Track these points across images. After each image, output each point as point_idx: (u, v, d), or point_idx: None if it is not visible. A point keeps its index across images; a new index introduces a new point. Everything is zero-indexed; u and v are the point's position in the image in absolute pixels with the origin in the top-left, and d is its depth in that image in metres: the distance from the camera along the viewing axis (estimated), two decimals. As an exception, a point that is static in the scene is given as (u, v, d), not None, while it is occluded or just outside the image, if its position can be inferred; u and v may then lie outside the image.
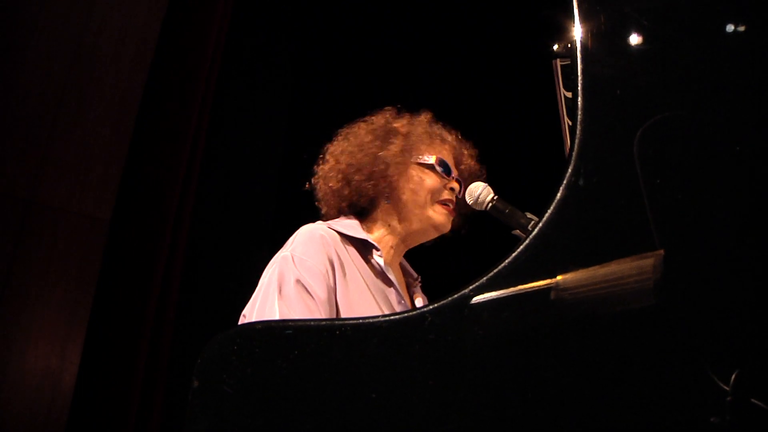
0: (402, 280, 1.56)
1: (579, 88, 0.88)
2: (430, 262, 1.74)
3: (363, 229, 1.51)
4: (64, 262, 2.70)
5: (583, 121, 0.87)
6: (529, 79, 2.29)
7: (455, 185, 1.55)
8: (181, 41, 3.19)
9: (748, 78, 0.88)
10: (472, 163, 1.64)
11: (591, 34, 0.91)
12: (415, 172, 1.53)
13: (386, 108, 1.64)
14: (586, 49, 0.90)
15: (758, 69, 0.88)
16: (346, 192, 1.52)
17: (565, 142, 1.33)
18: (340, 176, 1.52)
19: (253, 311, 1.31)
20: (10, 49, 2.70)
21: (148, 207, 2.94)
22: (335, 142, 1.60)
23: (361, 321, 0.90)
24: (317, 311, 1.27)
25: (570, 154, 0.86)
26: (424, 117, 1.63)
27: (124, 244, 2.86)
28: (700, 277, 0.82)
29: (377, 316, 0.89)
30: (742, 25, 0.90)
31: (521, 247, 0.85)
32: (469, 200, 1.48)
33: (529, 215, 1.36)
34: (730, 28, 0.90)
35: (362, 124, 1.59)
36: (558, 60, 1.34)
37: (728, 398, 0.75)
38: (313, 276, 1.31)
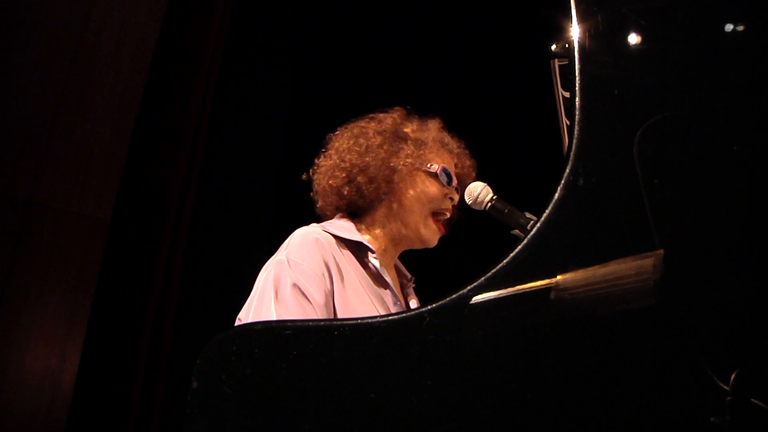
0: (396, 281, 1.56)
1: (577, 88, 0.88)
2: (428, 263, 1.74)
3: (357, 230, 1.50)
4: (64, 262, 2.70)
5: (581, 121, 0.87)
6: (528, 79, 2.30)
7: (455, 195, 1.55)
8: (181, 41, 3.19)
9: (747, 78, 0.88)
10: (473, 175, 1.63)
11: (589, 34, 0.91)
12: (419, 179, 1.51)
13: (396, 108, 1.62)
14: (584, 49, 0.90)
15: (757, 69, 0.88)
16: (346, 191, 1.50)
17: (563, 142, 1.33)
18: (342, 174, 1.50)
19: (249, 315, 1.30)
20: (10, 49, 2.70)
21: (148, 207, 2.94)
22: (341, 138, 1.57)
23: (359, 321, 0.90)
24: (314, 315, 1.26)
25: (568, 154, 0.86)
26: (434, 123, 1.61)
27: (124, 244, 2.86)
28: (699, 277, 0.82)
29: (376, 317, 0.89)
30: (740, 25, 0.90)
31: (519, 247, 0.85)
32: (468, 200, 1.48)
33: (528, 215, 1.36)
34: (728, 27, 0.90)
35: (372, 124, 1.56)
36: (556, 60, 1.33)
37: (728, 398, 0.75)
38: (310, 280, 1.30)
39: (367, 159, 1.49)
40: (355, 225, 1.52)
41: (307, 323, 0.95)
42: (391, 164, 1.49)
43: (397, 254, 1.59)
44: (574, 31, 0.90)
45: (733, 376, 0.75)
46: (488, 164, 1.67)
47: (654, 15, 0.91)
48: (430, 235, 1.52)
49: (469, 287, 0.86)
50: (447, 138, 1.61)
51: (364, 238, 1.49)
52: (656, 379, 0.79)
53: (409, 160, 1.50)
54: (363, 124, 1.57)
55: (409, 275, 1.64)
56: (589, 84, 0.88)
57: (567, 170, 0.86)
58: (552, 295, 0.83)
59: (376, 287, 1.45)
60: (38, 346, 2.58)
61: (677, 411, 0.78)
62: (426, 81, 3.58)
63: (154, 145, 3.02)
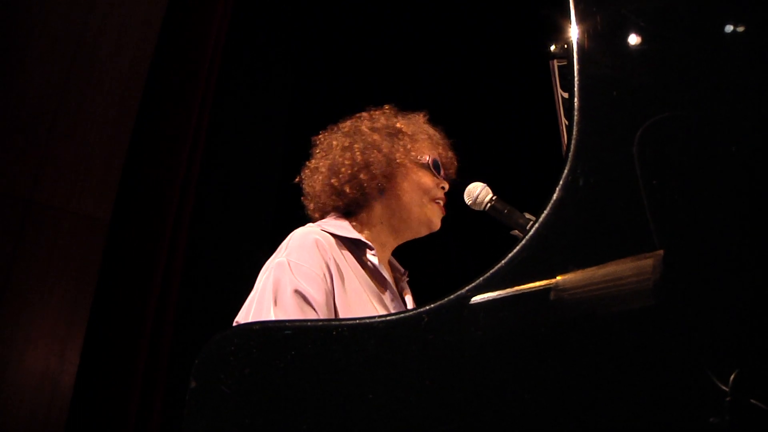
0: (391, 276, 1.56)
1: (576, 89, 0.88)
2: (427, 262, 1.74)
3: (354, 228, 1.50)
4: (64, 262, 2.70)
5: (580, 121, 0.87)
6: (527, 79, 2.30)
7: (446, 185, 1.57)
8: (181, 41, 3.19)
9: (747, 78, 0.88)
10: (455, 164, 1.65)
11: (588, 34, 0.91)
12: (413, 171, 1.53)
13: (385, 106, 1.64)
14: (583, 49, 0.90)
15: (756, 69, 0.88)
16: (347, 189, 1.50)
17: (562, 143, 1.33)
18: (344, 171, 1.50)
19: (248, 317, 1.30)
20: (10, 49, 2.70)
21: (148, 207, 2.94)
22: (336, 138, 1.57)
23: (358, 321, 0.90)
24: (315, 318, 1.27)
25: (567, 154, 0.86)
26: (421, 116, 1.64)
27: (123, 244, 2.86)
28: (699, 277, 0.82)
29: (374, 317, 0.89)
30: (740, 26, 0.90)
31: (518, 247, 0.85)
32: (467, 200, 1.48)
33: (527, 215, 1.36)
34: (727, 28, 0.90)
35: (365, 122, 1.58)
36: (555, 60, 1.34)
37: (727, 398, 0.75)
38: (310, 281, 1.30)
39: (368, 156, 1.50)
40: (351, 223, 1.52)
41: (305, 323, 0.95)
42: (390, 159, 1.51)
43: (397, 245, 1.60)
44: (573, 32, 0.90)
45: (732, 377, 0.75)
46: (488, 164, 1.68)
47: (653, 15, 0.91)
48: (434, 216, 1.54)
49: (467, 287, 0.86)
50: (432, 130, 1.63)
51: (361, 236, 1.49)
52: (656, 380, 0.79)
53: (411, 153, 1.53)
54: (355, 122, 1.59)
55: (402, 269, 1.64)
56: (588, 84, 0.88)
57: (566, 170, 0.86)
58: (551, 296, 0.83)
59: (374, 285, 1.46)
60: (38, 346, 2.58)
61: (677, 411, 0.78)
62: (426, 81, 3.58)
63: (154, 145, 3.02)
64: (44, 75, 2.77)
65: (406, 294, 1.60)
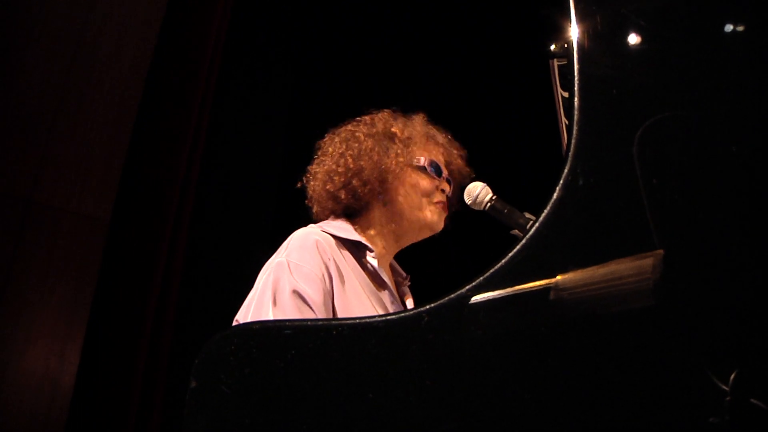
0: (392, 280, 1.56)
1: (576, 88, 0.87)
2: (427, 263, 1.74)
3: (355, 230, 1.51)
4: (64, 262, 2.70)
5: (580, 120, 0.87)
6: (527, 78, 2.30)
7: (446, 186, 1.57)
8: (181, 41, 3.19)
9: (747, 78, 0.88)
10: (462, 164, 1.65)
11: (588, 34, 0.91)
12: (409, 175, 1.53)
13: (383, 110, 1.64)
14: (583, 49, 0.90)
15: (756, 69, 0.88)
16: (342, 195, 1.52)
17: (562, 142, 1.33)
18: (339, 179, 1.52)
19: (247, 317, 1.30)
20: (10, 49, 2.70)
21: (148, 207, 2.94)
22: (333, 143, 1.59)
23: (358, 321, 0.90)
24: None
25: (567, 154, 0.86)
26: (419, 118, 1.64)
27: (123, 244, 2.86)
28: (699, 277, 0.82)
29: (374, 316, 0.89)
30: (739, 25, 0.90)
31: (518, 246, 0.85)
32: (467, 200, 1.48)
33: (527, 215, 1.36)
34: (727, 28, 0.90)
35: (361, 127, 1.59)
36: (555, 60, 1.33)
37: (727, 398, 0.75)
38: (309, 282, 1.30)
39: (360, 162, 1.51)
40: (353, 226, 1.53)
41: (305, 323, 0.95)
42: (383, 165, 1.51)
43: (399, 249, 1.60)
44: (573, 31, 0.90)
45: (732, 376, 0.75)
46: (488, 164, 1.68)
47: (653, 15, 0.91)
48: (434, 218, 1.54)
49: (468, 287, 0.85)
50: (433, 131, 1.63)
51: (362, 238, 1.49)
52: (656, 379, 0.79)
53: (399, 159, 1.52)
54: (352, 128, 1.60)
55: (404, 274, 1.65)
56: (588, 84, 0.88)
57: (566, 170, 0.85)
58: (551, 295, 0.83)
59: (374, 287, 1.46)
60: (38, 346, 2.58)
61: (677, 411, 0.78)
62: (426, 81, 3.58)
63: (154, 145, 3.02)
64: (44, 75, 2.77)
65: (407, 298, 1.60)
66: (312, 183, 1.58)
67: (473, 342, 0.85)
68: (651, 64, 0.91)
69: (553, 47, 1.29)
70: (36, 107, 2.72)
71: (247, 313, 1.31)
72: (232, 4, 3.41)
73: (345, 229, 1.49)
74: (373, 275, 1.48)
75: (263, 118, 3.79)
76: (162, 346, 2.84)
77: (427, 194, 1.53)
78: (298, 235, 1.41)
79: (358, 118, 1.63)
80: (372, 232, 1.54)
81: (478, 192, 1.46)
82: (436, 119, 1.67)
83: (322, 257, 1.35)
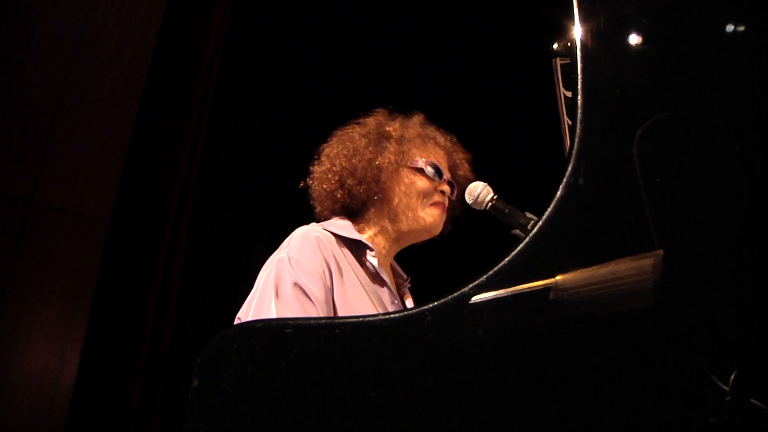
0: (392, 280, 1.57)
1: (579, 87, 0.88)
2: (427, 263, 1.74)
3: (356, 229, 1.52)
4: (64, 262, 2.70)
5: (583, 120, 0.87)
6: (529, 78, 2.29)
7: (446, 188, 1.56)
8: (181, 41, 3.19)
9: (748, 78, 0.88)
10: (466, 167, 1.65)
11: (591, 33, 0.91)
12: (406, 176, 1.54)
13: (379, 110, 1.65)
14: (586, 48, 0.90)
15: (758, 69, 0.88)
16: (339, 195, 1.53)
17: (564, 142, 1.33)
18: (334, 179, 1.54)
19: (249, 313, 1.31)
20: (10, 49, 2.70)
21: (148, 207, 2.94)
22: (330, 144, 1.61)
23: (361, 320, 0.90)
24: (315, 313, 1.27)
25: (569, 154, 0.86)
26: (416, 119, 1.64)
27: (124, 244, 2.86)
28: (699, 277, 0.82)
29: (377, 315, 0.89)
30: (741, 25, 0.90)
31: (520, 246, 0.85)
32: (468, 200, 1.48)
33: (528, 215, 1.36)
34: (729, 28, 0.90)
35: (357, 127, 1.61)
36: (558, 59, 1.33)
37: (727, 398, 0.75)
38: (310, 277, 1.31)
39: (354, 162, 1.53)
40: (353, 225, 1.54)
41: (308, 321, 0.95)
42: (377, 164, 1.52)
43: (399, 249, 1.60)
44: (576, 31, 0.90)
45: (732, 376, 0.75)
46: (489, 164, 1.67)
47: (655, 15, 0.91)
48: (431, 220, 1.53)
49: (470, 285, 0.86)
50: (432, 132, 1.63)
51: (362, 237, 1.50)
52: (656, 379, 0.79)
53: (393, 158, 1.53)
54: (349, 128, 1.62)
55: (405, 275, 1.65)
56: (591, 83, 0.88)
57: (568, 169, 0.86)
58: (552, 295, 0.83)
59: (374, 285, 1.47)
60: (38, 346, 2.57)
61: (677, 411, 0.78)
62: (427, 81, 3.58)
63: (154, 145, 3.02)
64: (44, 75, 2.77)
65: (407, 299, 1.60)
66: (312, 183, 1.60)
67: (475, 341, 0.85)
68: (653, 63, 0.91)
69: (555, 46, 1.29)
70: (36, 107, 2.72)
71: (249, 309, 1.32)
72: (232, 4, 3.41)
73: (345, 227, 1.50)
74: (373, 274, 1.48)
75: (263, 118, 3.79)
76: (162, 346, 2.84)
77: (424, 196, 1.52)
78: (299, 232, 1.42)
79: (356, 120, 1.64)
80: (371, 231, 1.55)
81: (479, 192, 1.46)
82: (437, 119, 1.67)
83: (322, 254, 1.36)
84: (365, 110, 1.66)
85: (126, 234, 2.88)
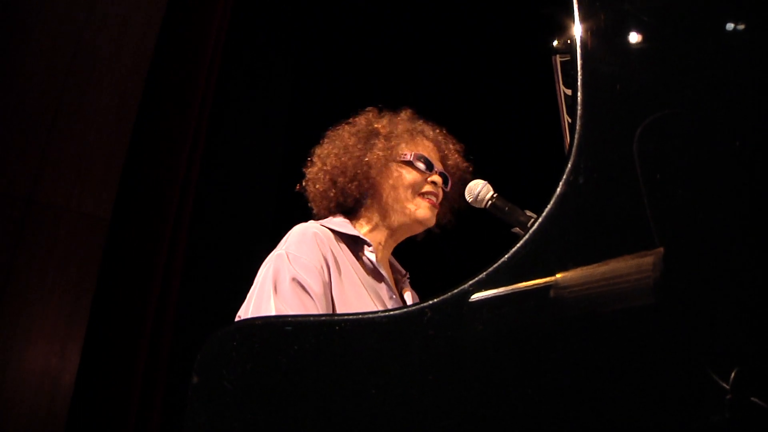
0: (390, 276, 1.57)
1: (579, 85, 0.87)
2: (426, 261, 1.74)
3: (352, 226, 1.53)
4: (64, 261, 2.70)
5: (583, 117, 0.87)
6: (529, 75, 2.29)
7: (437, 178, 1.56)
8: (181, 41, 3.20)
9: (749, 76, 0.88)
10: (458, 157, 1.66)
11: (591, 30, 0.91)
12: (395, 170, 1.55)
13: (368, 108, 1.67)
14: (586, 45, 0.90)
15: (758, 67, 0.88)
16: (332, 193, 1.56)
17: (564, 139, 1.33)
18: (325, 178, 1.56)
19: (249, 310, 1.31)
20: (10, 49, 2.70)
21: (148, 206, 2.94)
22: (321, 145, 1.63)
23: (360, 316, 0.90)
24: (314, 308, 1.29)
25: (569, 151, 0.86)
26: (404, 114, 1.66)
27: (124, 244, 2.86)
28: (699, 275, 0.82)
29: (376, 312, 0.89)
30: (742, 24, 0.90)
31: (520, 243, 0.85)
32: (468, 198, 1.48)
33: (528, 213, 1.36)
34: (730, 26, 0.90)
35: (346, 126, 1.63)
36: (558, 56, 1.33)
37: (728, 397, 0.75)
38: (309, 272, 1.32)
39: (344, 160, 1.54)
40: (350, 221, 1.55)
41: (307, 318, 0.95)
42: (366, 161, 1.53)
43: (396, 244, 1.61)
44: (576, 28, 0.90)
45: (732, 375, 0.75)
46: (489, 162, 1.68)
47: (656, 12, 0.91)
48: (423, 212, 1.53)
49: (470, 282, 0.85)
50: (421, 126, 1.64)
51: (360, 233, 1.51)
52: (656, 377, 0.79)
53: (381, 154, 1.54)
54: (339, 128, 1.64)
55: (403, 271, 1.66)
56: (591, 80, 0.88)
57: (569, 167, 0.85)
58: (552, 293, 0.83)
59: (372, 281, 1.47)
60: (38, 346, 2.58)
61: (677, 409, 0.78)
62: (427, 79, 3.58)
63: (154, 145, 3.03)
64: (44, 74, 2.77)
65: (406, 292, 1.61)
66: (307, 185, 1.63)
67: (475, 338, 0.85)
68: (654, 61, 0.91)
69: (555, 43, 1.29)
70: (36, 107, 2.72)
71: (249, 305, 1.33)
72: (232, 4, 3.41)
73: (343, 224, 1.51)
74: (371, 270, 1.49)
75: (263, 118, 3.79)
76: (162, 346, 2.84)
77: (414, 188, 1.53)
78: (297, 229, 1.44)
79: (348, 120, 1.66)
80: (368, 227, 1.56)
81: (479, 190, 1.46)
82: (437, 117, 1.67)
83: (320, 249, 1.37)
84: (365, 111, 1.66)
85: (126, 234, 2.88)
